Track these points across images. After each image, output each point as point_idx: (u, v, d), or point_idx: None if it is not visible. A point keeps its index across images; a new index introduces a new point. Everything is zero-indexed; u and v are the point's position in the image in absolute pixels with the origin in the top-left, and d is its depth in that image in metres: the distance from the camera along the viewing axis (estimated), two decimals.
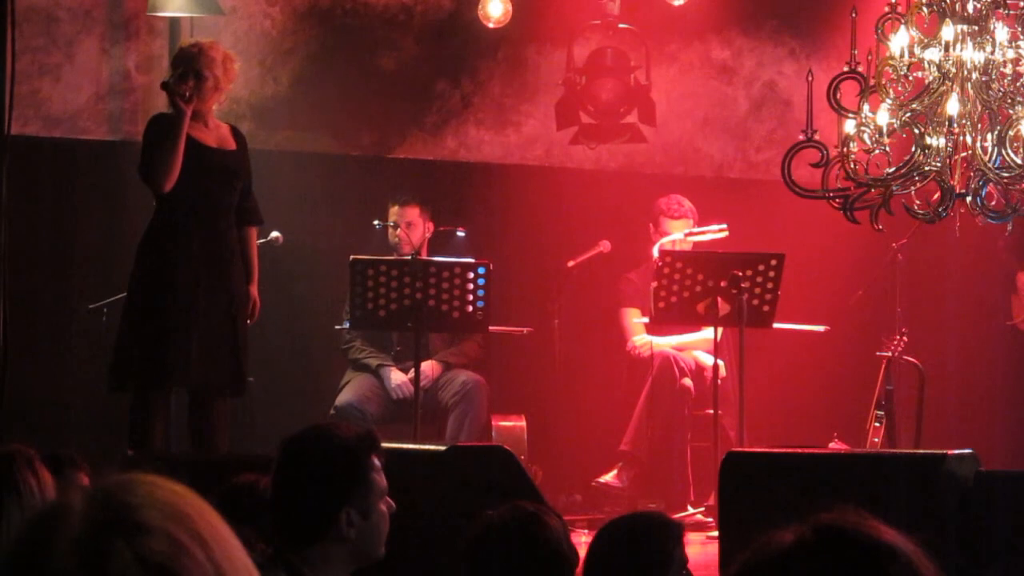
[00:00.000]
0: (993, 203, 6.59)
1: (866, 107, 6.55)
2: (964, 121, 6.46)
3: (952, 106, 6.38)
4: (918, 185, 6.57)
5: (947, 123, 6.39)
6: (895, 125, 6.48)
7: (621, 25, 9.36)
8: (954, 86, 6.45)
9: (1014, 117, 6.41)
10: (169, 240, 7.27)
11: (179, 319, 7.18)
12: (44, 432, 7.81)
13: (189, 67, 7.33)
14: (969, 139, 6.47)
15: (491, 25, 9.39)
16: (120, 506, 1.43)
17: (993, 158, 6.45)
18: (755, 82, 10.12)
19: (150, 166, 7.27)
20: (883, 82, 6.49)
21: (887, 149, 6.51)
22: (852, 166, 6.53)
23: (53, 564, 1.41)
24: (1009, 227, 6.81)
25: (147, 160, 7.31)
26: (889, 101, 6.50)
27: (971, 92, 6.47)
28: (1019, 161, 6.40)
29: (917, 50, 6.51)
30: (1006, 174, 6.46)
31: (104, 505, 1.44)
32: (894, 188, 6.54)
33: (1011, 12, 6.54)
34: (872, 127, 6.50)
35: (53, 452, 4.16)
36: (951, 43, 6.43)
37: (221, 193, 7.39)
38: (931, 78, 6.49)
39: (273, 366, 8.79)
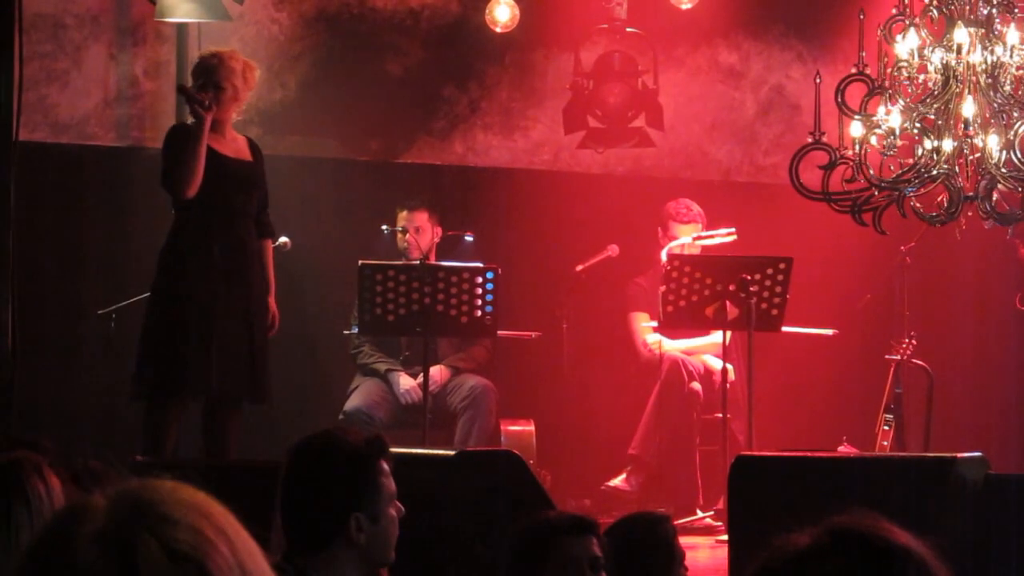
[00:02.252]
0: (994, 204, 6.58)
1: (881, 110, 6.54)
2: (974, 124, 6.45)
3: (968, 108, 6.37)
4: (931, 187, 6.57)
5: (964, 125, 6.37)
6: (907, 127, 6.47)
7: (628, 29, 9.36)
8: (965, 89, 6.44)
9: (1016, 119, 6.40)
10: (188, 249, 7.29)
11: (198, 328, 7.19)
12: (53, 437, 7.79)
13: (208, 79, 7.36)
14: (979, 141, 6.46)
15: (498, 30, 9.39)
16: (145, 502, 1.45)
17: (1000, 160, 6.43)
18: (762, 86, 10.12)
19: (172, 174, 7.29)
20: (897, 84, 6.48)
21: (895, 151, 6.51)
22: (869, 170, 6.52)
23: (77, 557, 1.41)
24: (1009, 231, 6.80)
25: (168, 168, 7.32)
26: (902, 103, 6.49)
27: (980, 94, 6.46)
28: None
29: (927, 51, 6.49)
30: (1012, 175, 6.45)
31: (129, 502, 1.46)
32: (907, 191, 6.53)
33: (1019, 14, 6.53)
34: (885, 129, 6.49)
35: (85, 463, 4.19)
36: (962, 46, 6.42)
37: (239, 202, 7.41)
38: (936, 80, 6.48)
39: (282, 371, 8.77)
